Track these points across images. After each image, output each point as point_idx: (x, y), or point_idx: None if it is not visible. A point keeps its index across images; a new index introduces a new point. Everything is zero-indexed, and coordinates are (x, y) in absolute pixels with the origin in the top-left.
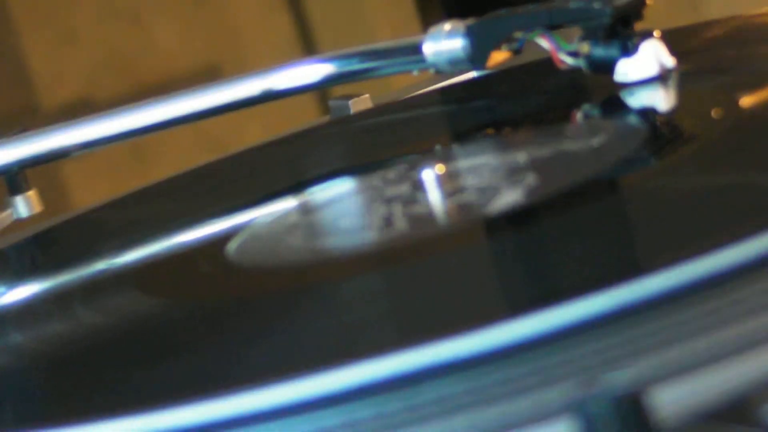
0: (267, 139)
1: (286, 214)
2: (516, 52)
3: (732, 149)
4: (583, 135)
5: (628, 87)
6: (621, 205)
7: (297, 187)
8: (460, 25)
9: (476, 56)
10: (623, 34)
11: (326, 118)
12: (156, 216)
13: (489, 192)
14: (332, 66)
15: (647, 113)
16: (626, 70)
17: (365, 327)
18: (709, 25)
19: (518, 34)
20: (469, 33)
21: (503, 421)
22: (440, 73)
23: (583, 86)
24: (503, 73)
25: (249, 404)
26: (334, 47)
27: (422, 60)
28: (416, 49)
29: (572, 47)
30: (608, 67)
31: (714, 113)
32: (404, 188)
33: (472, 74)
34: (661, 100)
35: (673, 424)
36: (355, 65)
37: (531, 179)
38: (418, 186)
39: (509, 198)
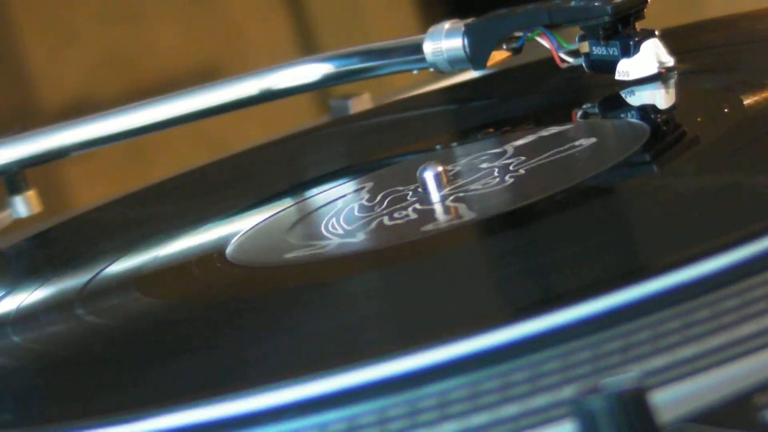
0: (267, 139)
1: (285, 214)
2: (516, 51)
3: (733, 148)
4: (583, 135)
5: (628, 86)
6: (620, 205)
7: (296, 187)
8: (459, 24)
9: (476, 55)
10: (624, 33)
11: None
12: (155, 216)
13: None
14: (332, 66)
15: (647, 112)
16: (627, 69)
17: (362, 329)
18: (709, 24)
19: (518, 34)
20: (469, 32)
21: (505, 421)
22: (440, 73)
23: (582, 85)
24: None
25: (246, 406)
26: (334, 47)
27: (422, 59)
28: (416, 49)
29: (572, 46)
30: (609, 66)
31: (715, 112)
32: (405, 188)
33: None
34: (662, 99)
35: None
36: (355, 65)
37: (526, 179)
38: (421, 186)
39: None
